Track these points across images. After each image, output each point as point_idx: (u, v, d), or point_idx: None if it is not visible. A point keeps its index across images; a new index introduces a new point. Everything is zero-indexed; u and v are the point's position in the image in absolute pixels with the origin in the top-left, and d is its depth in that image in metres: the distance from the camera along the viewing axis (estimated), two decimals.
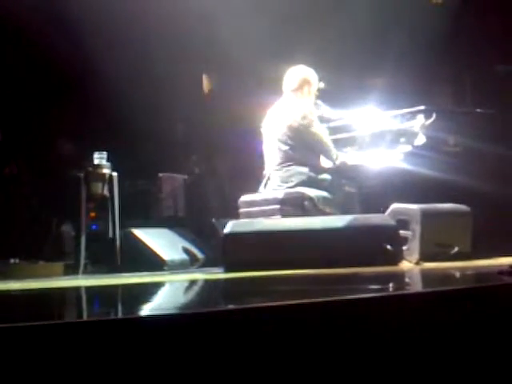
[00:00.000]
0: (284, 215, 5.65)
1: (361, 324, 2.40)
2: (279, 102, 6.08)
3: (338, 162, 5.94)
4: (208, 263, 6.27)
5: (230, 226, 5.31)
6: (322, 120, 6.13)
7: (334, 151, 5.94)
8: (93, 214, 6.56)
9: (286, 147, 5.89)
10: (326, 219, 5.45)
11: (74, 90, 7.94)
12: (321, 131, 5.92)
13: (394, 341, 2.44)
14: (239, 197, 6.08)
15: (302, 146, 5.88)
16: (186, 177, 7.63)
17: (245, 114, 7.51)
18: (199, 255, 6.53)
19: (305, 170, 5.84)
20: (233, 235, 5.26)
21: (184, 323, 2.20)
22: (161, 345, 2.09)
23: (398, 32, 7.55)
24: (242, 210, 5.98)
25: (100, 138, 7.35)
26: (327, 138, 5.94)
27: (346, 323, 2.39)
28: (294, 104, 5.95)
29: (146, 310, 2.97)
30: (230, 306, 2.83)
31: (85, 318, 2.72)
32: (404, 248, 5.41)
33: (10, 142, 7.67)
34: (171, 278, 5.32)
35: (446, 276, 4.38)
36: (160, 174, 7.44)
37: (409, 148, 5.99)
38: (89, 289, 4.64)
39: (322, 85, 6.08)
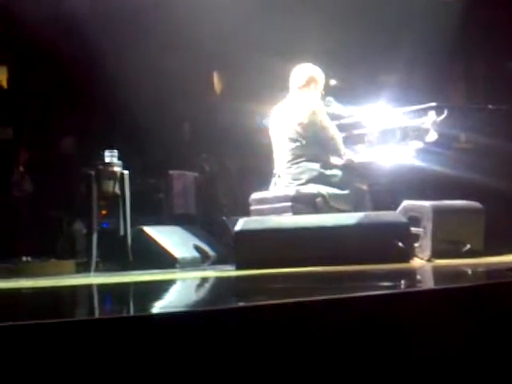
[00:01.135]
0: (295, 212, 5.64)
1: (373, 321, 2.40)
2: (286, 100, 6.07)
3: (344, 158, 5.92)
4: (219, 261, 6.27)
5: (241, 224, 5.31)
6: (333, 117, 6.11)
7: (342, 148, 5.93)
8: (104, 212, 6.57)
9: (296, 144, 5.88)
10: (338, 216, 5.44)
11: (83, 89, 7.96)
12: (331, 127, 5.91)
13: (406, 338, 2.43)
14: (250, 194, 6.07)
15: (312, 143, 5.86)
16: (196, 174, 7.63)
17: (255, 112, 7.51)
18: (210, 253, 6.52)
19: (315, 166, 5.83)
20: (244, 233, 5.26)
21: (195, 321, 2.20)
22: (173, 342, 2.09)
23: (410, 29, 7.53)
24: (252, 208, 5.98)
25: (111, 136, 7.37)
26: (337, 135, 5.93)
27: (357, 320, 2.38)
28: (302, 101, 5.94)
29: (157, 307, 2.98)
30: (242, 304, 2.83)
31: (96, 315, 2.72)
32: (415, 245, 5.40)
33: (21, 140, 7.70)
34: (183, 276, 5.32)
35: (457, 273, 4.37)
36: (171, 172, 7.44)
37: (420, 145, 5.96)
38: (100, 286, 4.65)
39: (333, 82, 6.08)
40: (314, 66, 6.06)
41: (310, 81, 5.99)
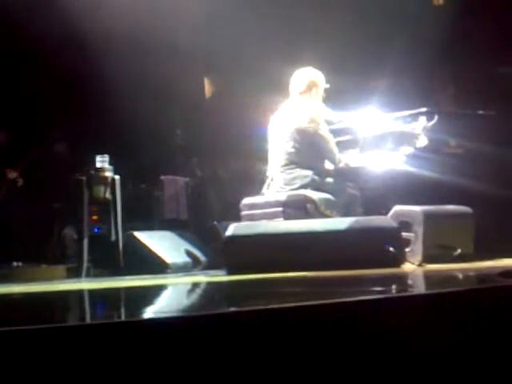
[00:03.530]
0: (286, 218, 5.64)
1: (363, 326, 2.40)
2: (286, 104, 6.07)
3: (340, 165, 5.94)
4: (210, 266, 6.27)
5: (231, 229, 5.31)
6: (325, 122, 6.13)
7: (337, 155, 5.95)
8: (95, 217, 6.55)
9: (292, 150, 5.89)
10: (328, 221, 5.45)
11: (75, 93, 7.96)
12: (328, 135, 5.92)
13: (397, 342, 2.44)
14: (241, 199, 6.08)
15: (308, 149, 5.87)
16: (187, 179, 7.63)
17: (247, 117, 7.51)
18: (201, 258, 6.53)
19: (309, 173, 5.83)
20: (234, 238, 5.26)
21: (187, 326, 2.20)
22: (164, 347, 2.09)
23: (400, 34, 7.55)
24: (243, 213, 5.98)
25: (102, 142, 7.37)
26: (333, 142, 5.95)
27: (348, 325, 2.39)
28: (301, 106, 5.95)
29: (148, 312, 2.98)
30: (233, 309, 2.83)
31: (88, 321, 2.72)
32: (406, 250, 5.41)
33: (14, 144, 7.70)
34: (174, 281, 5.32)
35: (448, 278, 4.38)
36: (162, 177, 7.44)
37: (411, 150, 5.98)
38: (91, 292, 4.65)
39: (327, 85, 6.09)
40: (315, 69, 6.07)
41: (311, 85, 6.00)
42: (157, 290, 4.48)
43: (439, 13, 7.92)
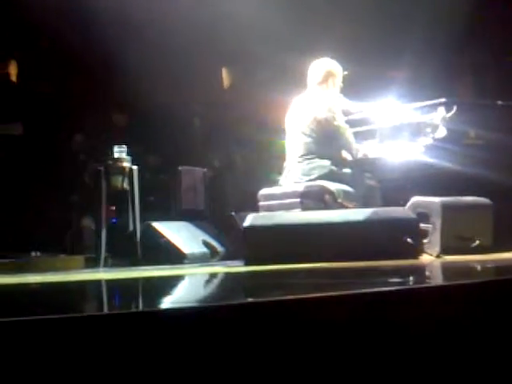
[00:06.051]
0: (304, 209, 5.64)
1: (382, 317, 2.40)
2: (304, 95, 6.07)
3: (358, 156, 5.93)
4: (228, 256, 6.28)
5: (249, 220, 5.31)
6: (342, 113, 6.11)
7: (354, 145, 5.93)
8: (113, 208, 6.57)
9: (309, 140, 5.89)
10: (346, 212, 5.44)
11: (94, 85, 7.97)
12: (344, 125, 5.92)
13: (415, 334, 2.43)
14: (258, 190, 6.08)
15: (325, 139, 5.87)
16: (205, 170, 7.64)
17: (264, 107, 7.50)
18: (219, 248, 6.53)
19: (327, 163, 5.83)
20: (252, 228, 5.26)
21: (204, 316, 2.20)
22: (181, 338, 2.09)
23: (419, 24, 7.51)
24: (261, 204, 5.98)
25: (120, 132, 7.38)
26: (350, 133, 5.94)
27: (366, 317, 2.38)
28: (319, 97, 5.95)
29: (166, 303, 2.98)
30: (250, 300, 2.83)
31: (105, 311, 2.73)
32: (424, 241, 5.39)
33: (31, 136, 7.72)
34: (191, 272, 5.33)
35: (466, 269, 4.36)
36: (180, 168, 7.44)
37: (429, 141, 5.96)
38: (109, 282, 4.66)
39: (345, 72, 6.08)
40: (332, 60, 6.06)
41: (328, 75, 6.00)
42: (174, 281, 4.48)
43: (458, 2, 7.86)
